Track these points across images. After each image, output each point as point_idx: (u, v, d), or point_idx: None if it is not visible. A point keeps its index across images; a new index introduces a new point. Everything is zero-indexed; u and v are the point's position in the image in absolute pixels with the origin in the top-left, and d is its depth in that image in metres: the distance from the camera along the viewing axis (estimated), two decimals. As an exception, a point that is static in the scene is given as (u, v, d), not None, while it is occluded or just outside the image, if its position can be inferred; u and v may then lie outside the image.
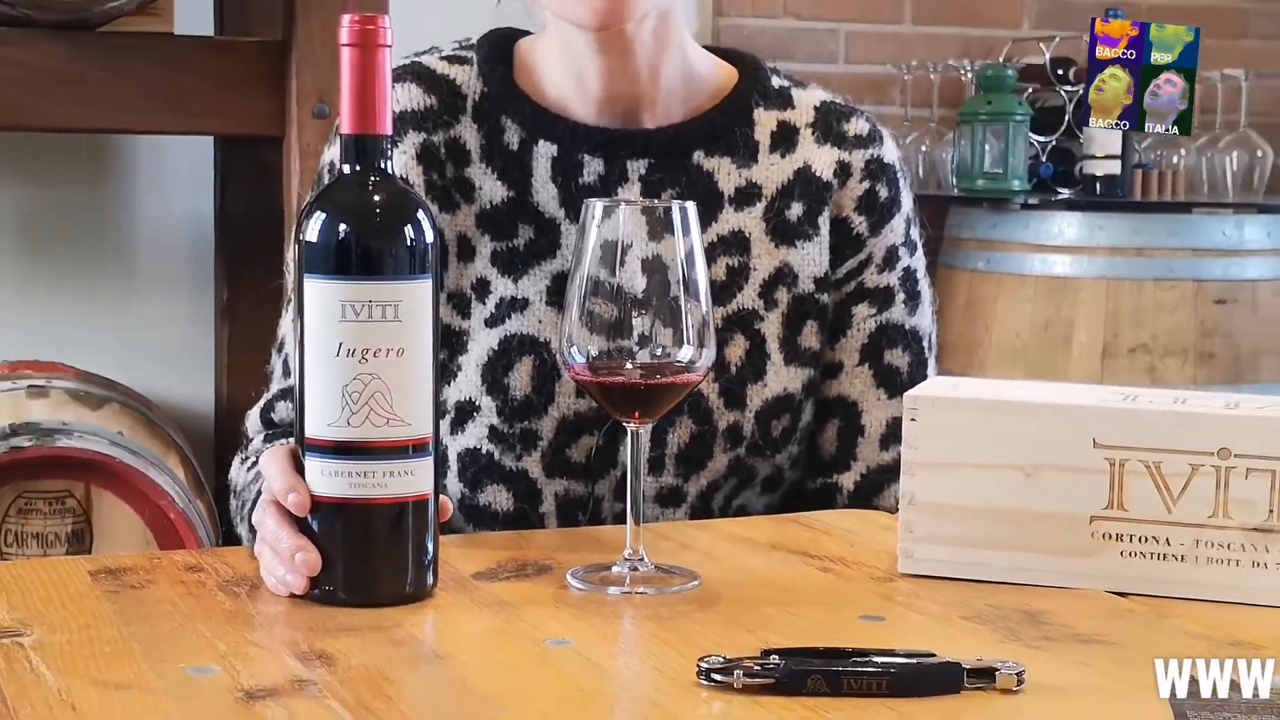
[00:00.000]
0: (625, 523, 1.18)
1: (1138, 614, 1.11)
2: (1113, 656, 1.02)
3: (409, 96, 1.47)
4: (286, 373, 1.48)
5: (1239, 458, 1.13)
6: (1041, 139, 3.44)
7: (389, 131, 1.12)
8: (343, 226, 1.10)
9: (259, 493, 1.26)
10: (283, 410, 1.46)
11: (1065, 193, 3.39)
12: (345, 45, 1.11)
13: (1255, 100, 3.64)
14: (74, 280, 3.00)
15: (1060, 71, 3.50)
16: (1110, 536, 1.15)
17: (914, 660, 0.95)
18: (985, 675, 0.94)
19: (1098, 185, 3.34)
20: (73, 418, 2.52)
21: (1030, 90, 3.49)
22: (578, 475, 1.45)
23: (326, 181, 1.48)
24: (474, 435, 1.44)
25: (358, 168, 1.12)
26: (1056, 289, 3.18)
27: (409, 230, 1.10)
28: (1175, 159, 3.52)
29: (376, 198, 1.11)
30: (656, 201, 1.16)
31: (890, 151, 1.53)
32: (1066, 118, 3.44)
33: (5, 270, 2.96)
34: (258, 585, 1.14)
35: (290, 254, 1.48)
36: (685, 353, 1.13)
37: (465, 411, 1.44)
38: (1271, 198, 3.59)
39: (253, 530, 1.25)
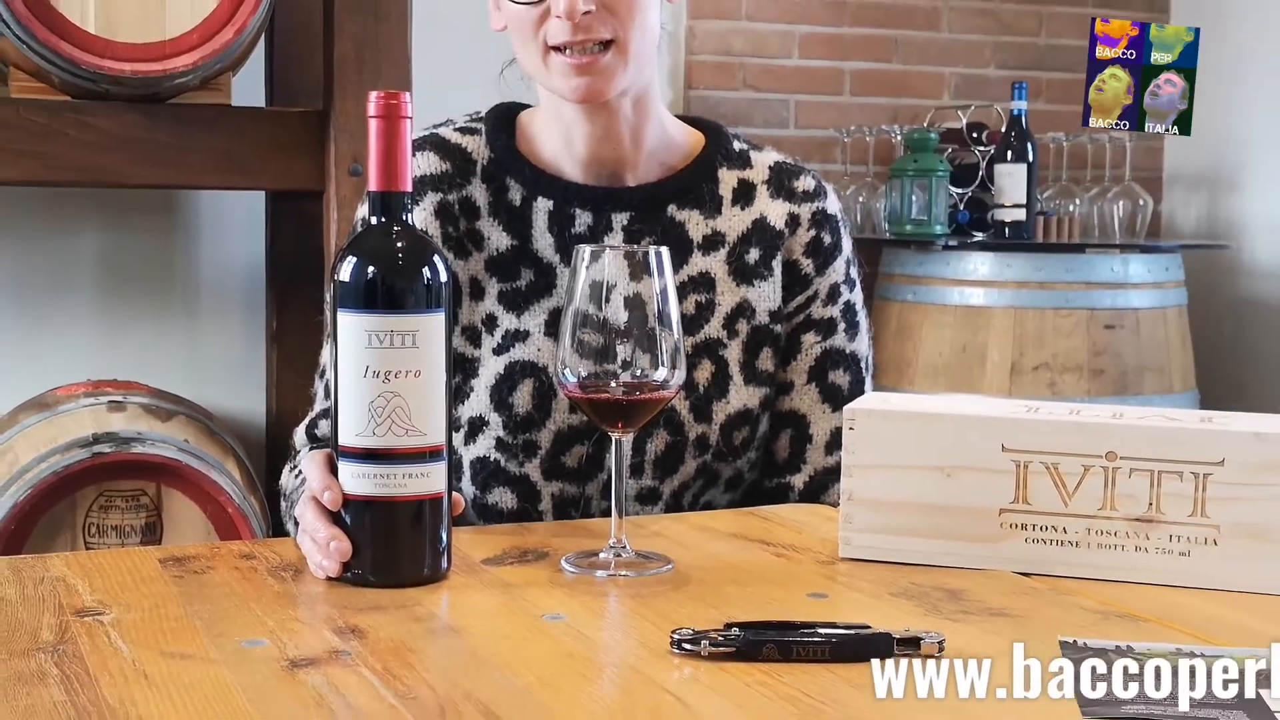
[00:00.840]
0: (611, 517, 1.18)
1: (1040, 592, 1.11)
2: (1019, 627, 1.01)
3: (428, 163, 1.46)
4: (326, 395, 1.47)
5: (1124, 459, 1.13)
6: (959, 191, 3.46)
7: (409, 189, 1.12)
8: (370, 269, 1.10)
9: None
10: (324, 427, 1.46)
11: (979, 236, 3.40)
12: (373, 117, 1.11)
13: (1137, 158, 3.67)
14: (147, 311, 2.99)
15: (975, 134, 3.52)
16: (1016, 526, 1.15)
17: (852, 631, 0.95)
18: (911, 644, 0.94)
19: (1006, 229, 3.35)
20: (146, 428, 2.51)
21: (949, 150, 3.50)
22: (571, 478, 1.44)
23: (358, 230, 1.48)
24: (484, 446, 1.43)
25: (383, 219, 1.12)
26: (972, 316, 3.19)
27: (425, 272, 1.10)
28: (1071, 207, 3.54)
29: (398, 245, 1.11)
30: (636, 247, 1.16)
31: (833, 204, 1.52)
32: (980, 173, 3.46)
33: (89, 303, 2.95)
34: (301, 570, 1.14)
35: (328, 292, 1.49)
36: (660, 374, 1.14)
37: (476, 426, 1.43)
38: (1151, 239, 3.61)
39: (297, 523, 1.25)
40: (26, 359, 2.89)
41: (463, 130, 1.50)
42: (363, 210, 1.49)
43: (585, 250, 1.14)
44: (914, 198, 3.36)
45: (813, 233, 1.50)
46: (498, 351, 1.44)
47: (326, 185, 2.57)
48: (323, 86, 2.60)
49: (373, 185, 1.12)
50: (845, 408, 1.20)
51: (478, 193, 1.47)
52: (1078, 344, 3.15)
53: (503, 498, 1.44)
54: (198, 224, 3.04)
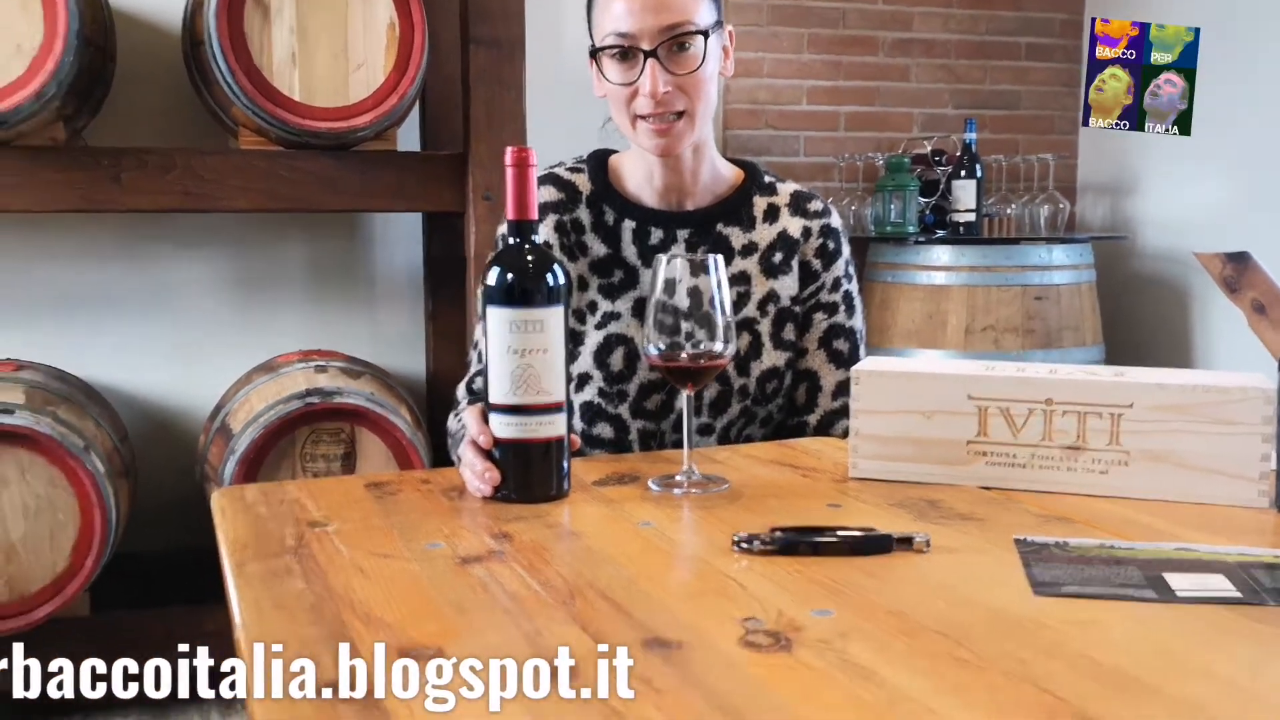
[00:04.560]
0: (682, 448, 1.18)
1: (997, 501, 1.10)
2: (984, 528, 1.01)
3: (549, 193, 1.47)
4: (479, 361, 1.48)
5: (1058, 404, 1.12)
6: (925, 200, 3.41)
7: (535, 218, 1.12)
8: (509, 276, 1.10)
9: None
10: (478, 384, 1.47)
11: (941, 233, 3.36)
12: (509, 165, 1.11)
13: (1057, 172, 3.61)
14: (343, 299, 3.03)
15: (936, 158, 3.47)
16: (980, 453, 1.15)
17: (862, 534, 0.95)
18: (906, 542, 0.95)
19: (961, 228, 3.31)
20: (344, 384, 2.54)
21: (918, 170, 3.46)
22: (651, 417, 1.44)
23: (500, 247, 1.49)
24: (589, 393, 1.44)
25: (517, 239, 1.12)
26: (937, 293, 3.16)
27: (549, 277, 1.10)
28: (1009, 210, 3.48)
29: (529, 258, 1.11)
30: (697, 255, 1.15)
31: (835, 220, 1.51)
32: (941, 187, 3.41)
33: (301, 295, 2.99)
34: (464, 492, 1.14)
35: (479, 292, 1.49)
36: (717, 346, 1.13)
37: (584, 380, 1.44)
38: (1068, 233, 3.55)
39: (460, 459, 1.27)
40: (255, 334, 2.93)
41: (572, 169, 1.50)
42: (502, 229, 1.49)
43: (662, 257, 1.13)
44: (892, 206, 3.32)
45: (821, 240, 1.49)
46: (598, 327, 1.45)
47: (466, 208, 2.59)
48: (462, 136, 2.61)
49: (509, 215, 1.12)
50: (852, 370, 1.19)
51: (583, 215, 1.47)
52: (1015, 311, 3.11)
53: (603, 431, 1.44)
54: (373, 236, 3.06)
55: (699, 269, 1.13)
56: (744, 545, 0.94)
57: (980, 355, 3.09)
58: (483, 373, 1.46)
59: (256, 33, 2.34)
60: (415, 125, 2.87)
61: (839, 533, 0.95)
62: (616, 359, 1.43)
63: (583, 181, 1.49)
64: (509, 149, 1.11)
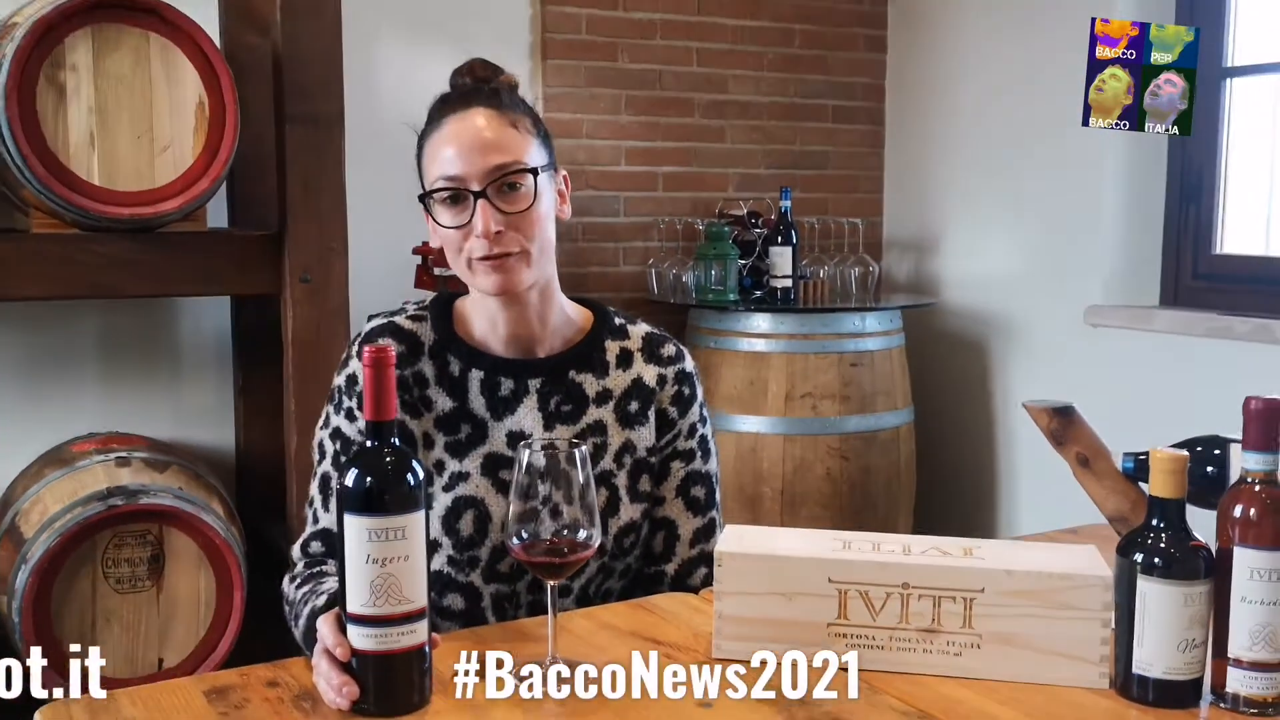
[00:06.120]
0: (537, 610, 1.13)
1: (861, 691, 1.11)
2: (852, 734, 1.03)
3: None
4: (315, 521, 1.41)
5: (914, 588, 1.15)
6: (743, 261, 3.47)
7: (394, 418, 1.08)
8: (368, 479, 1.05)
9: (309, 612, 1.22)
10: (314, 547, 1.39)
11: (759, 294, 3.42)
12: (366, 366, 1.06)
13: (865, 232, 3.74)
14: (145, 377, 2.86)
15: (752, 219, 3.53)
16: (840, 635, 1.17)
17: (741, 760, 0.95)
18: (784, 768, 0.95)
19: (779, 294, 3.37)
20: (148, 480, 2.39)
21: (735, 232, 3.51)
22: (504, 580, 1.40)
23: (337, 398, 1.42)
24: (437, 562, 1.38)
25: (376, 442, 1.07)
26: (757, 359, 3.22)
27: (409, 480, 1.06)
28: (822, 272, 3.58)
29: (388, 462, 1.06)
30: (561, 448, 1.12)
31: (689, 364, 1.50)
32: (757, 248, 3.48)
33: (98, 372, 2.81)
34: (318, 701, 1.08)
35: (318, 451, 1.41)
36: (581, 536, 1.12)
37: (431, 547, 1.35)
38: (878, 293, 3.69)
39: (305, 638, 1.21)
40: (45, 413, 2.73)
41: (413, 318, 1.44)
42: (339, 380, 1.42)
43: (525, 451, 1.11)
44: (713, 273, 3.37)
45: (676, 388, 1.47)
46: (445, 489, 1.39)
47: (283, 290, 2.47)
48: (278, 214, 2.49)
49: (366, 415, 1.07)
50: (715, 550, 1.19)
51: (426, 367, 1.41)
52: (832, 378, 3.20)
53: (454, 601, 1.39)
54: (176, 307, 2.90)
55: (565, 462, 1.10)
56: (625, 782, 0.93)
57: (799, 421, 3.17)
58: (319, 536, 1.39)
59: (51, 113, 2.18)
60: (222, 197, 2.72)
61: (718, 761, 0.95)
62: (466, 523, 1.38)
63: (424, 331, 1.43)
64: (366, 349, 1.06)
